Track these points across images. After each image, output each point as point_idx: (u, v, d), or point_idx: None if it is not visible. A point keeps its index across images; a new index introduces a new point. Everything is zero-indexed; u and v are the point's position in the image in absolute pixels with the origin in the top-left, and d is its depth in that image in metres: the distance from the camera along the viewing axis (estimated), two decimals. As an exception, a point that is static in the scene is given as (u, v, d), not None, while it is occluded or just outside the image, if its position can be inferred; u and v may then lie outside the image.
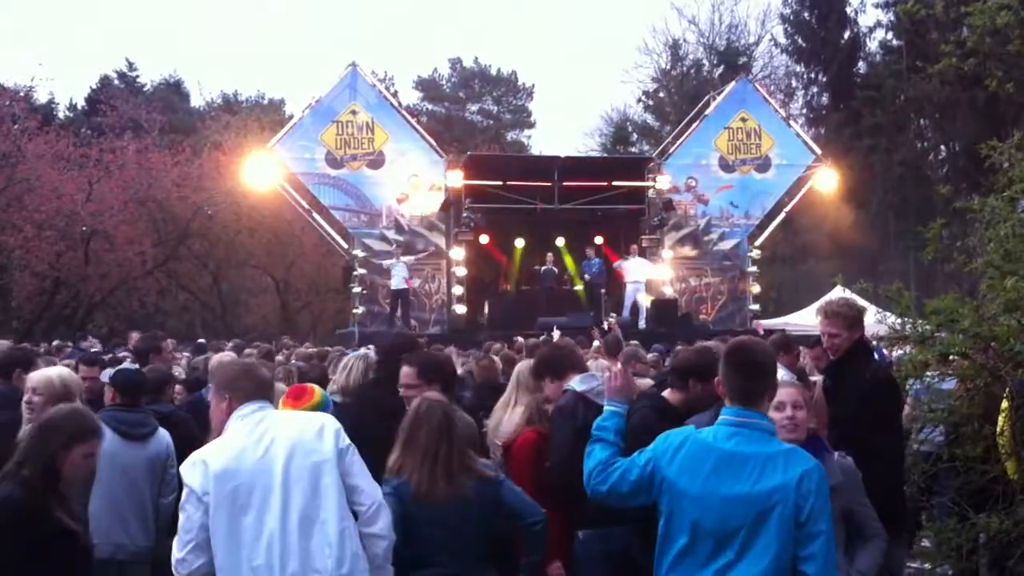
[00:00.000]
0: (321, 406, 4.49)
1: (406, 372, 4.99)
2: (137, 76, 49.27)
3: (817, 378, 6.55)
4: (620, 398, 3.82)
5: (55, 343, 14.37)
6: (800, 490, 3.18)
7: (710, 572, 3.22)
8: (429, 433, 4.21)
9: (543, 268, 22.86)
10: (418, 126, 25.42)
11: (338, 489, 3.69)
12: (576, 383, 5.04)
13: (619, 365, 4.98)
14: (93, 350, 11.98)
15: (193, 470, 3.70)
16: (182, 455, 5.46)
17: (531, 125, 61.62)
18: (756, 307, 24.64)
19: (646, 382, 6.30)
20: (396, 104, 26.14)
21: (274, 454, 3.66)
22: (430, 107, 58.33)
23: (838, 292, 19.26)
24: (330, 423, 3.81)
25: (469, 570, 4.15)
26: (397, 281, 21.27)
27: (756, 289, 24.80)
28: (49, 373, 5.48)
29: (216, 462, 3.67)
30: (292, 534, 3.58)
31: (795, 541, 3.17)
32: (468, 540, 4.15)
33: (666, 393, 4.98)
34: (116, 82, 47.13)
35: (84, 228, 29.00)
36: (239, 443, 3.74)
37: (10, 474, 3.85)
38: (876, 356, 6.40)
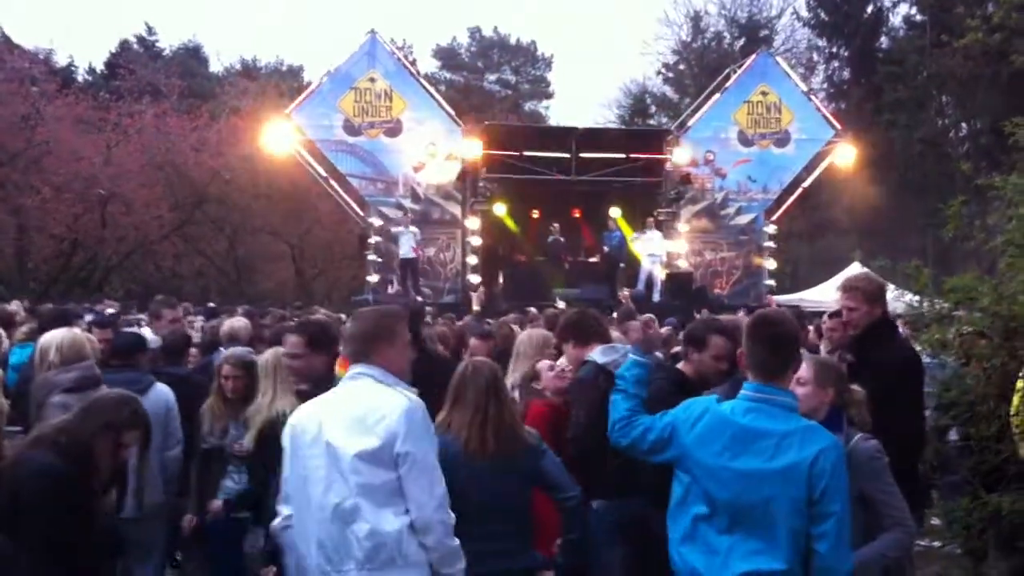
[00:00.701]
0: None
1: (293, 341, 4.88)
2: (156, 41, 49.23)
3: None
4: (642, 349, 3.79)
5: (71, 305, 14.45)
6: (814, 469, 3.15)
7: (724, 545, 3.23)
8: (477, 392, 4.21)
9: (550, 239, 22.84)
10: (436, 95, 25.33)
11: (379, 484, 3.47)
12: (597, 355, 5.01)
13: (646, 317, 5.02)
14: (109, 312, 12.05)
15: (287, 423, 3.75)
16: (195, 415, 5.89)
17: (549, 96, 61.39)
18: (771, 282, 24.56)
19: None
20: (415, 72, 26.03)
21: (328, 432, 3.53)
22: (448, 76, 58.10)
23: (856, 268, 19.25)
24: (398, 416, 3.49)
25: (509, 538, 4.15)
26: (405, 250, 21.28)
27: (772, 264, 24.72)
28: (55, 336, 5.57)
29: (296, 419, 3.69)
30: (329, 516, 3.48)
31: (809, 518, 3.15)
32: (510, 506, 4.16)
33: (681, 365, 5.03)
34: (135, 46, 47.08)
35: (102, 191, 29.08)
36: (316, 409, 3.68)
37: (46, 440, 3.87)
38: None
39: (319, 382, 4.46)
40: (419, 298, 20.05)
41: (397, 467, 3.47)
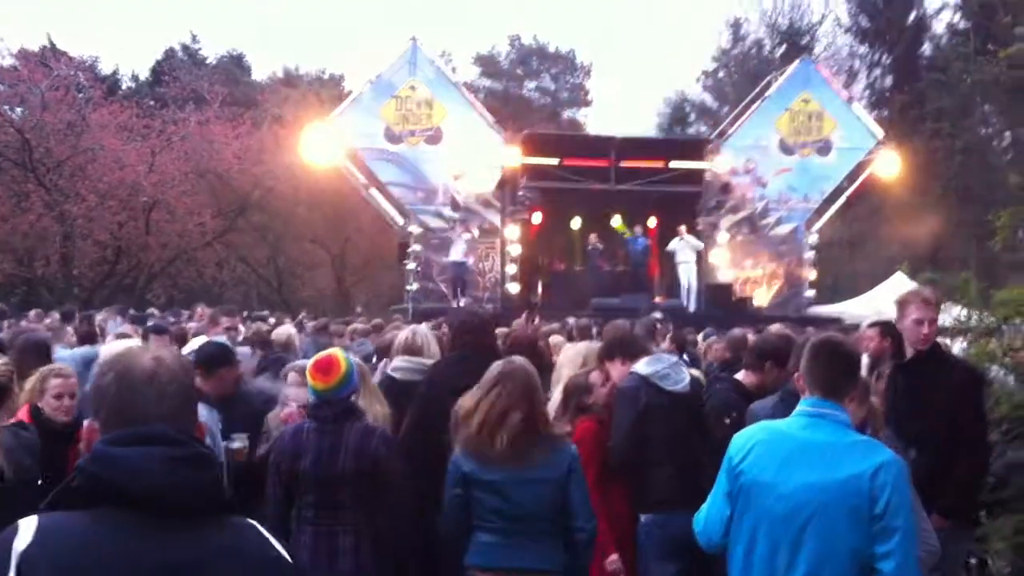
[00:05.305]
0: (348, 376, 4.46)
1: None
2: (200, 49, 49.72)
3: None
4: None
5: (131, 312, 14.68)
6: (876, 481, 3.12)
7: (784, 560, 3.20)
8: (511, 392, 4.18)
9: (589, 248, 22.90)
10: (476, 102, 25.38)
11: None
12: (641, 365, 5.04)
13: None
14: (171, 320, 12.17)
15: None
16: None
17: (588, 104, 61.35)
18: (812, 293, 24.34)
19: (694, 371, 6.39)
20: (455, 80, 26.12)
21: None
22: (488, 84, 58.12)
23: (901, 279, 18.88)
24: None
25: (529, 540, 4.14)
26: (456, 255, 21.35)
27: (813, 275, 24.51)
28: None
29: None
30: None
31: (871, 535, 3.12)
32: (529, 511, 4.12)
33: (740, 376, 5.03)
34: (180, 55, 47.59)
35: (146, 199, 29.40)
36: None
37: None
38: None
39: None
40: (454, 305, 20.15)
41: None
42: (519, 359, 4.44)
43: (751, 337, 8.14)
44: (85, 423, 4.56)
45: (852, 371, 3.46)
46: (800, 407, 3.38)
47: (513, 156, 22.15)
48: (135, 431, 1.92)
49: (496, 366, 4.32)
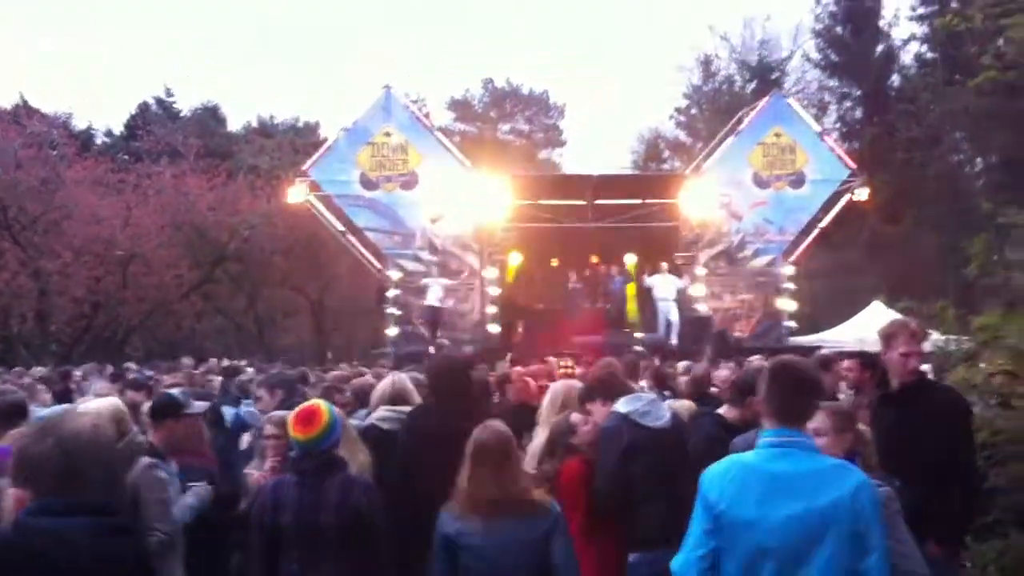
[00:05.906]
0: (331, 427, 4.38)
1: None
2: (174, 102, 49.82)
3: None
4: None
5: (111, 369, 14.58)
6: (856, 503, 3.13)
7: None
8: (489, 457, 4.14)
9: (570, 286, 22.90)
10: (451, 146, 25.45)
11: None
12: (621, 404, 5.03)
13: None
14: (149, 375, 12.05)
15: None
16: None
17: (562, 144, 61.76)
18: (792, 324, 24.38)
19: (684, 403, 6.41)
20: (429, 125, 26.20)
21: None
22: (462, 127, 58.45)
23: (878, 308, 18.89)
24: None
25: None
26: (432, 299, 21.30)
27: (791, 306, 24.55)
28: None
29: None
30: None
31: (860, 553, 3.12)
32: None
33: (723, 410, 5.03)
34: (154, 108, 47.66)
35: (121, 252, 29.26)
36: None
37: None
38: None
39: None
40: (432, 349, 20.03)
41: None
42: (493, 424, 4.36)
43: (725, 373, 8.19)
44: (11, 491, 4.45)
45: (811, 394, 3.39)
46: (763, 438, 3.33)
47: (490, 198, 22.15)
48: (63, 501, 1.88)
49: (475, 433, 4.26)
